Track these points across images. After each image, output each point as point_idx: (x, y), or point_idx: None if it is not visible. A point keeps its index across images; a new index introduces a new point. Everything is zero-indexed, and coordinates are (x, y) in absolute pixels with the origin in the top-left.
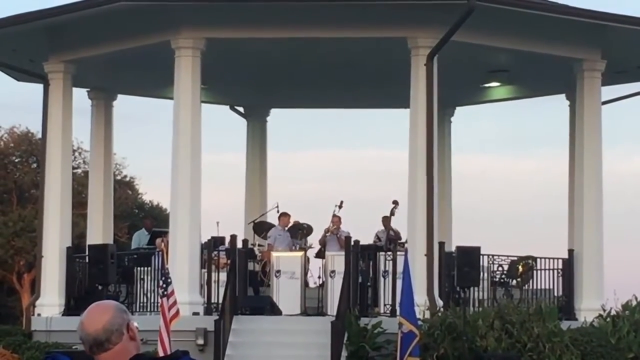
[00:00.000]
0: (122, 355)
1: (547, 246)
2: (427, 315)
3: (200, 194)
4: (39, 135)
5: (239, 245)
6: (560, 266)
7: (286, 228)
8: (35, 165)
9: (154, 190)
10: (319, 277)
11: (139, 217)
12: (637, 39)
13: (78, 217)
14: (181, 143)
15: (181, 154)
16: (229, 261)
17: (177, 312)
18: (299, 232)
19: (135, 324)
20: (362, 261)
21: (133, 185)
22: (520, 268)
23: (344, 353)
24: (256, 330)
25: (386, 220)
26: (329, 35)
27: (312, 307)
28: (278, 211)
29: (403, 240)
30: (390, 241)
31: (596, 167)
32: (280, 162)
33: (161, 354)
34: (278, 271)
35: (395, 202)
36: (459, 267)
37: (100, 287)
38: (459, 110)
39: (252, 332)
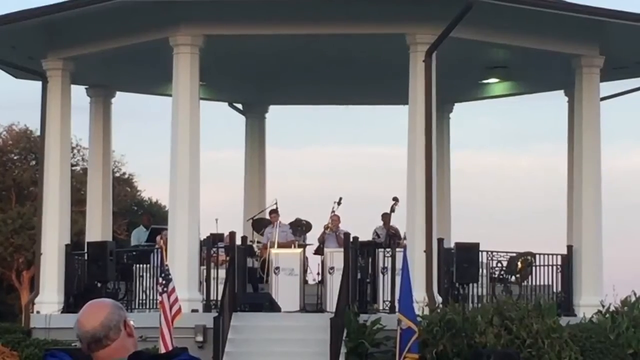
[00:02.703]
0: (121, 351)
1: (546, 242)
2: (426, 311)
3: (199, 191)
4: (38, 133)
5: (238, 242)
6: (559, 262)
7: (277, 224)
8: (34, 162)
9: (152, 187)
10: (318, 274)
11: (138, 214)
12: (636, 34)
13: (77, 215)
14: (180, 140)
15: (180, 151)
16: (228, 258)
17: (179, 310)
18: (298, 229)
19: (132, 321)
20: (361, 258)
21: (132, 182)
22: (519, 264)
23: (343, 349)
24: (255, 327)
25: (386, 217)
26: (328, 31)
27: (311, 303)
28: (277, 208)
29: (402, 237)
30: (391, 238)
31: (595, 163)
32: (279, 159)
33: (163, 351)
34: (277, 268)
35: (396, 199)
36: (458, 263)
37: (99, 285)
38: (457, 106)
39: (251, 328)
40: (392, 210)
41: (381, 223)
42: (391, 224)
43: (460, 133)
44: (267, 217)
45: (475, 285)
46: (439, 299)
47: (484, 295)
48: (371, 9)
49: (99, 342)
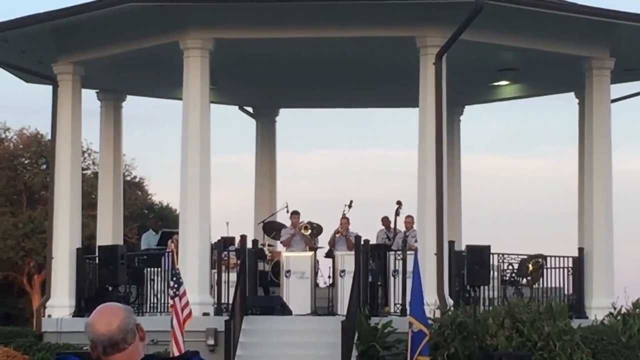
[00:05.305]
0: (134, 355)
1: (557, 244)
2: (438, 314)
3: (210, 195)
4: (49, 137)
5: (249, 245)
6: (571, 264)
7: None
8: (44, 166)
9: (163, 191)
10: (329, 277)
11: (149, 218)
12: None
13: (88, 218)
14: (190, 143)
15: (190, 155)
16: (238, 261)
17: (190, 313)
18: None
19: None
20: (372, 260)
21: (142, 186)
22: (531, 266)
23: (355, 352)
24: (266, 330)
25: (386, 221)
26: (338, 35)
27: (322, 306)
28: (288, 211)
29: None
30: (404, 242)
31: (606, 165)
32: (289, 162)
33: (176, 354)
34: (288, 271)
35: (399, 203)
36: (469, 265)
37: (110, 288)
38: (468, 108)
39: (262, 332)
40: (397, 213)
41: (383, 226)
42: (392, 226)
43: (471, 135)
44: (278, 219)
45: (486, 287)
46: (450, 301)
47: (495, 298)
48: (381, 12)
49: (115, 346)
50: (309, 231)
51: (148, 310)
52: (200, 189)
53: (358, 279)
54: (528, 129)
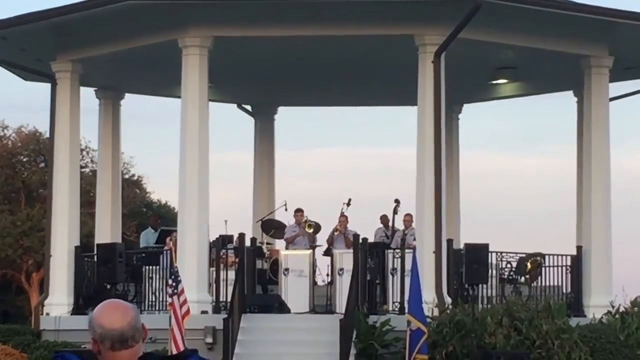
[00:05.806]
0: (138, 354)
1: (555, 243)
2: (436, 312)
3: (208, 193)
4: (47, 135)
5: (247, 243)
6: (569, 263)
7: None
8: (43, 164)
9: (161, 189)
10: (328, 275)
11: (147, 215)
12: None
13: (86, 216)
14: (189, 141)
15: (189, 153)
16: (237, 259)
17: (188, 311)
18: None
19: None
20: (371, 259)
21: (141, 184)
22: (529, 265)
23: (353, 351)
24: (265, 328)
25: (385, 219)
26: (337, 33)
27: (321, 305)
28: (286, 209)
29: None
30: (403, 241)
31: (604, 164)
32: (288, 160)
33: (174, 351)
34: (286, 269)
35: (397, 201)
36: (468, 264)
37: (108, 286)
38: (466, 107)
39: (260, 330)
40: (395, 212)
41: (381, 224)
42: (391, 224)
43: (469, 134)
44: (276, 217)
45: (484, 286)
46: (448, 299)
47: (493, 296)
48: (380, 11)
49: (124, 343)
50: (312, 229)
51: (146, 308)
52: (198, 187)
53: (356, 277)
54: (527, 128)
